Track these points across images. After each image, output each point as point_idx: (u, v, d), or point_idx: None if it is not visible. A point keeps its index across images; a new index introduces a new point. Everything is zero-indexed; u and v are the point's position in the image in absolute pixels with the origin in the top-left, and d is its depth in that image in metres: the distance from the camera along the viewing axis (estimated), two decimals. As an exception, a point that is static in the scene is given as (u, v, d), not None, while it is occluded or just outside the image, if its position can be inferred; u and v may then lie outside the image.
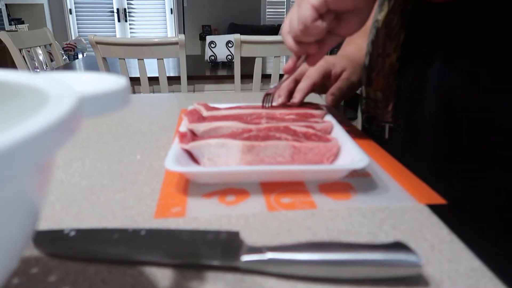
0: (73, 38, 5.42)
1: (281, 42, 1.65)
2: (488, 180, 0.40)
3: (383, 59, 0.51)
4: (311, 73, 0.54)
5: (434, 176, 0.38)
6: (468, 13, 0.40)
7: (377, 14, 0.54)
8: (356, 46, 0.63)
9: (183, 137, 0.39)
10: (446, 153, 0.44)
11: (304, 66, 0.54)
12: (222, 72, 1.89)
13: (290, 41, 0.46)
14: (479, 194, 0.41)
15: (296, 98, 0.53)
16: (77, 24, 5.55)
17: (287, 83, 0.55)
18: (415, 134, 0.47)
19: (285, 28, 0.46)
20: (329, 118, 0.47)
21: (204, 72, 1.91)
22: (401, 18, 0.48)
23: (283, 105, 0.53)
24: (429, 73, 0.45)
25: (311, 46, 0.46)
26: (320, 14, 0.42)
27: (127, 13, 5.56)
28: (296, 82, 0.55)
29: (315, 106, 0.52)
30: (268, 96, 0.52)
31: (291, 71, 0.49)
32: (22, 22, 4.87)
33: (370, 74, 0.55)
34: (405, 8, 0.48)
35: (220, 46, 1.97)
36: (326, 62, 0.55)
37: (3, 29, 4.27)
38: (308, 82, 0.54)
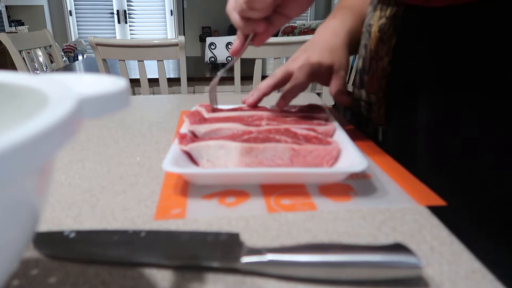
0: (73, 39, 5.43)
1: (281, 44, 1.66)
2: (486, 182, 0.40)
3: (376, 62, 0.51)
4: (298, 75, 0.50)
5: (428, 178, 0.37)
6: (460, 18, 0.40)
7: (370, 19, 0.54)
8: (332, 30, 0.57)
9: (182, 138, 0.39)
10: (439, 156, 0.44)
11: (288, 67, 0.52)
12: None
13: (236, 18, 0.43)
14: (475, 196, 0.41)
15: (285, 100, 0.50)
16: (77, 25, 5.57)
17: (265, 86, 0.51)
18: (409, 137, 0.47)
19: (230, 4, 0.44)
20: (331, 121, 0.47)
21: (204, 73, 1.91)
22: (393, 22, 0.49)
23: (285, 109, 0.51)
24: (421, 76, 0.45)
25: (259, 23, 0.43)
26: None
27: (127, 15, 5.57)
28: (275, 86, 0.52)
29: (318, 109, 0.52)
30: (212, 95, 0.53)
31: (237, 52, 0.47)
32: (22, 24, 4.88)
33: (363, 76, 0.54)
34: (396, 13, 0.48)
35: (220, 48, 1.97)
36: (311, 65, 0.51)
37: (3, 30, 4.28)
38: (297, 83, 0.50)
